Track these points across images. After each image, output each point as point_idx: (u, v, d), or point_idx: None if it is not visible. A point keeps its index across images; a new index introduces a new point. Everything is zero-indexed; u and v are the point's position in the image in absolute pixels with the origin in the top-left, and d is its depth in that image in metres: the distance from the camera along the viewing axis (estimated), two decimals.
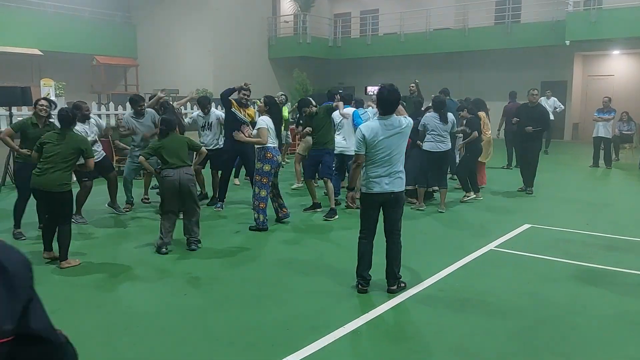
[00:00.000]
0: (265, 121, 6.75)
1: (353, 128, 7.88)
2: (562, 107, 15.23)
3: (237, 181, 10.11)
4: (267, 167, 6.74)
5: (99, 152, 7.33)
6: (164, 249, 5.86)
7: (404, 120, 4.62)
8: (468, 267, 5.50)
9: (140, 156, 6.28)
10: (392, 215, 4.69)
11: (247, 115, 7.87)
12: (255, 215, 6.81)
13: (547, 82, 18.45)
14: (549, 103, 14.54)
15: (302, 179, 9.41)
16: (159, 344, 3.81)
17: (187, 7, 20.86)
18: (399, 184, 4.62)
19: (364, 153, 4.54)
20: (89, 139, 6.90)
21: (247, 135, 7.02)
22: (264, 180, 6.76)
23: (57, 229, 5.45)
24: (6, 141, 6.50)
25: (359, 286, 4.69)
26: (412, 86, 12.12)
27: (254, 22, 21.78)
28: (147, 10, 22.19)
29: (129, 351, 3.72)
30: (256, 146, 6.87)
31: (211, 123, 8.33)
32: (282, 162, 12.00)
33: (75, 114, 5.57)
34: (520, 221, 7.36)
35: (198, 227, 6.10)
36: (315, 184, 8.50)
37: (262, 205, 6.77)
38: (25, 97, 10.51)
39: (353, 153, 7.78)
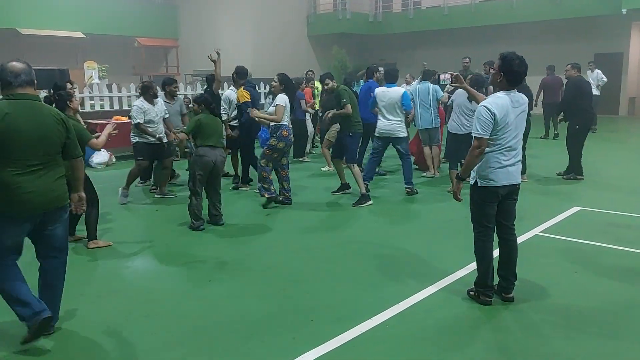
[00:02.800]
0: (281, 99, 6.79)
1: (399, 108, 7.38)
2: (605, 80, 14.33)
3: None
4: (281, 145, 6.80)
5: (161, 133, 7.37)
6: (201, 227, 6.00)
7: (525, 97, 4.01)
8: None
9: (182, 132, 6.28)
10: (510, 208, 4.04)
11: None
12: (259, 185, 6.88)
13: (600, 54, 17.41)
14: (592, 76, 13.81)
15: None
16: (178, 333, 3.67)
17: None
18: (520, 172, 4.03)
19: (488, 137, 3.80)
20: (156, 117, 7.24)
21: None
22: (275, 155, 6.85)
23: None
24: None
25: (485, 297, 4.02)
26: (466, 61, 11.56)
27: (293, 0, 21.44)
28: None
29: (146, 339, 3.60)
30: (272, 124, 6.84)
31: None
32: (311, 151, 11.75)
33: (63, 98, 5.34)
34: (569, 204, 6.89)
35: (220, 204, 6.28)
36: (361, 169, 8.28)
37: (264, 174, 6.81)
38: (64, 79, 10.65)
39: (403, 135, 7.58)
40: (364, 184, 7.40)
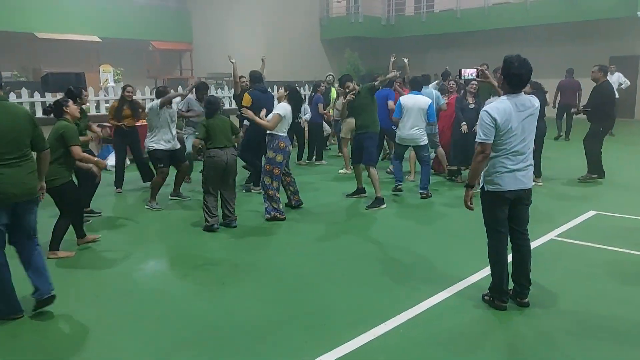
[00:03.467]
0: (281, 108, 6.51)
1: (424, 116, 7.52)
2: (628, 82, 14.16)
3: None
4: (279, 158, 6.49)
5: (175, 139, 7.44)
6: (215, 226, 6.08)
7: (535, 100, 3.94)
8: None
9: (196, 139, 6.27)
10: (522, 214, 3.98)
11: None
12: (267, 205, 6.54)
13: (615, 57, 17.21)
14: (613, 79, 13.65)
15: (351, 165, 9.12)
16: (190, 335, 3.68)
17: None
18: (530, 177, 3.94)
19: (491, 142, 3.76)
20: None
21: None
22: (276, 171, 6.52)
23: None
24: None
25: (500, 302, 3.99)
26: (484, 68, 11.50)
27: (306, 3, 21.47)
28: None
29: (158, 340, 3.61)
30: (268, 133, 6.57)
31: None
32: (328, 147, 11.81)
33: (59, 104, 5.27)
34: (585, 208, 6.80)
35: (234, 205, 6.34)
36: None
37: (270, 193, 6.51)
38: (79, 82, 10.76)
39: (424, 144, 7.59)
40: (399, 184, 7.75)
